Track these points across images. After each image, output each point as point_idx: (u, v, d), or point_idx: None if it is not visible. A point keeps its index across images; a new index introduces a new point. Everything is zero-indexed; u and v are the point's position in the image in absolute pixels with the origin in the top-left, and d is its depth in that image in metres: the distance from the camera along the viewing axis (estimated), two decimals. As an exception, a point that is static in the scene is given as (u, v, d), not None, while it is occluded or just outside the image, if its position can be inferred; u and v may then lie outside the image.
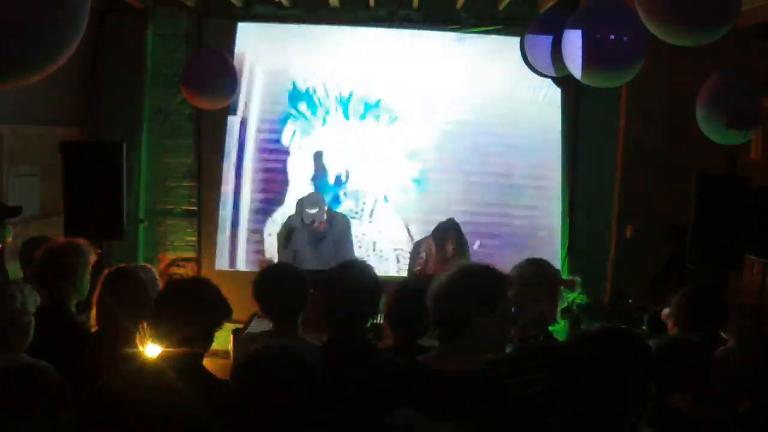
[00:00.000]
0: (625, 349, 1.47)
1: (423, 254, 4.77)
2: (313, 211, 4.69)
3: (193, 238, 6.01)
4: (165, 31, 5.82)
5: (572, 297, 4.74)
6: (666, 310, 2.79)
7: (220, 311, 2.12)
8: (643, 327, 4.04)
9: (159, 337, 2.10)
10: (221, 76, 4.98)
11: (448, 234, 4.56)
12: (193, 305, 2.07)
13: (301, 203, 4.90)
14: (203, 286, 2.18)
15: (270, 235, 5.78)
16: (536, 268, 2.35)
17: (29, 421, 1.73)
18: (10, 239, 3.61)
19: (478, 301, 1.83)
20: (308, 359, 1.68)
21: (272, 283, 2.47)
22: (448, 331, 1.86)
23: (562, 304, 2.38)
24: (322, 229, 4.82)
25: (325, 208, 4.81)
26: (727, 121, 4.02)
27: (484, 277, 1.87)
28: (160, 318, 2.08)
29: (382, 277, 2.20)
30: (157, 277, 2.64)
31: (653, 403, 1.83)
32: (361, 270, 2.15)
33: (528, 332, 2.28)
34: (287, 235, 4.95)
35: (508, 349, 2.35)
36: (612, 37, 3.89)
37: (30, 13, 1.80)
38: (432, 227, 4.76)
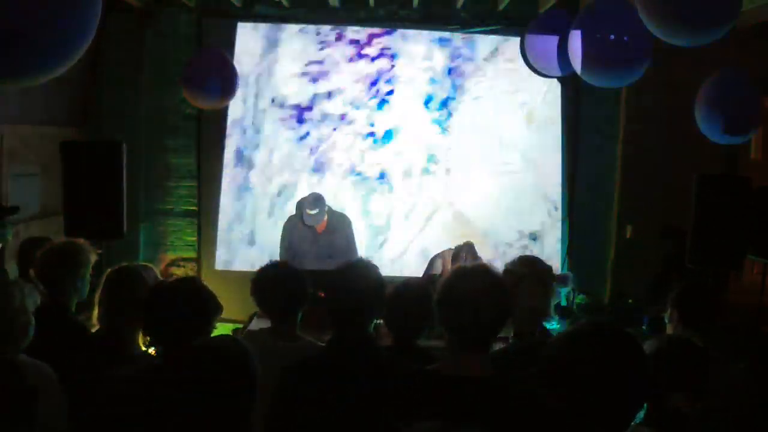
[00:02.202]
0: (614, 345, 1.46)
1: (438, 270, 4.77)
2: (314, 211, 4.68)
3: (193, 238, 6.01)
4: (165, 31, 5.82)
5: (567, 291, 4.75)
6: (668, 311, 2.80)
7: (213, 309, 2.13)
8: (643, 327, 4.05)
9: (153, 340, 2.11)
10: (221, 76, 4.98)
11: (461, 256, 4.57)
12: (187, 306, 2.07)
13: (302, 204, 4.88)
14: (194, 287, 2.18)
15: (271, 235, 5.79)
16: (529, 264, 2.37)
17: (6, 414, 1.75)
18: (9, 239, 3.61)
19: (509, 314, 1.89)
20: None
21: (270, 281, 2.48)
22: (475, 341, 1.84)
23: (556, 300, 2.39)
24: (322, 230, 4.82)
25: (326, 208, 4.80)
26: (724, 126, 4.03)
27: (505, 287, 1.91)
28: (154, 321, 2.08)
29: (387, 277, 2.20)
30: (159, 276, 2.64)
31: (653, 403, 1.84)
32: (366, 270, 2.14)
33: (523, 328, 2.29)
34: (288, 235, 4.94)
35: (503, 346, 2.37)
36: (619, 37, 3.89)
37: (38, 17, 1.80)
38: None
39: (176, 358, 1.87)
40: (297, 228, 4.87)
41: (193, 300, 2.09)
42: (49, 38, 1.86)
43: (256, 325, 3.52)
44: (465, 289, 1.82)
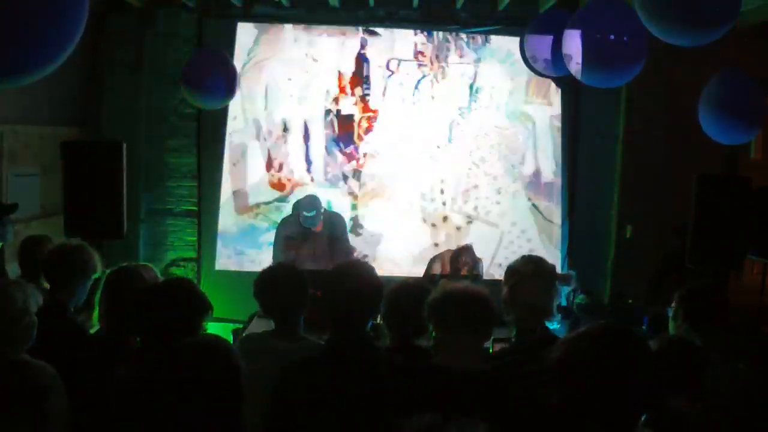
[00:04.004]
0: (625, 348, 1.47)
1: (437, 272, 4.77)
2: (311, 213, 4.68)
3: (193, 238, 6.01)
4: (165, 31, 5.81)
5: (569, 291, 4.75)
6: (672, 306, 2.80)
7: (202, 310, 2.13)
8: (643, 327, 4.04)
9: (143, 340, 2.11)
10: (221, 77, 4.98)
11: (461, 260, 4.57)
12: (175, 307, 2.07)
13: (298, 205, 4.89)
14: (182, 287, 2.18)
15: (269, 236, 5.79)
16: (532, 263, 2.39)
17: (15, 413, 1.75)
18: (10, 238, 3.60)
19: None
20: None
21: (273, 283, 2.48)
22: (477, 331, 1.97)
23: (557, 300, 2.41)
24: (319, 231, 4.82)
25: (322, 209, 4.80)
26: (731, 120, 4.01)
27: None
28: (142, 322, 2.08)
29: (384, 277, 2.21)
30: (159, 276, 2.64)
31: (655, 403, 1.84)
32: (362, 270, 2.15)
33: (525, 326, 2.30)
34: (284, 236, 4.94)
35: (503, 345, 2.39)
36: (615, 37, 3.88)
37: (26, 14, 1.79)
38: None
39: (159, 357, 1.87)
40: (293, 229, 4.87)
41: (181, 300, 2.09)
42: (34, 37, 1.85)
43: (257, 324, 3.52)
44: (455, 292, 1.99)
